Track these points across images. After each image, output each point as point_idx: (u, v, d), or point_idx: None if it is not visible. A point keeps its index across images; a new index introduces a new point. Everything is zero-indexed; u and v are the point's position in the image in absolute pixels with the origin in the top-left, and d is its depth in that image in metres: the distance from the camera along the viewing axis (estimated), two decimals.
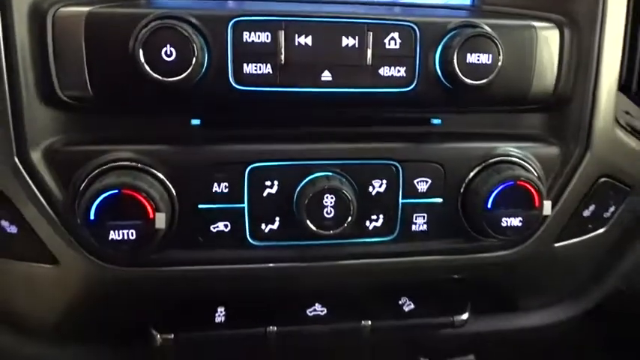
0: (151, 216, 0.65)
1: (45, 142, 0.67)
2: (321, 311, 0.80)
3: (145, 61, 0.62)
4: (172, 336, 0.76)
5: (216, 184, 0.69)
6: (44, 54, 0.64)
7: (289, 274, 0.75)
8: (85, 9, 0.64)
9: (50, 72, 0.65)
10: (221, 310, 0.80)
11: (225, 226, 0.71)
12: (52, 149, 0.67)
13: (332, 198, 0.68)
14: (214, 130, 0.71)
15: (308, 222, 0.68)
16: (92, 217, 0.64)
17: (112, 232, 0.64)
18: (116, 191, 0.64)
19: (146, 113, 0.70)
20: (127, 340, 0.81)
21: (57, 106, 0.67)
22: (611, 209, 0.85)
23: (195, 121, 0.71)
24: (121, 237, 0.65)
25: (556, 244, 0.82)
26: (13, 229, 0.69)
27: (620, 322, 1.07)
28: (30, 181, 0.66)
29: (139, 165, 0.67)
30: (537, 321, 0.92)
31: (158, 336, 0.76)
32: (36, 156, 0.66)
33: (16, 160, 0.66)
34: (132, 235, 0.65)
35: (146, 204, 0.64)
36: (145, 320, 0.78)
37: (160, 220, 0.65)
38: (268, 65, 0.66)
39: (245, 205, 0.70)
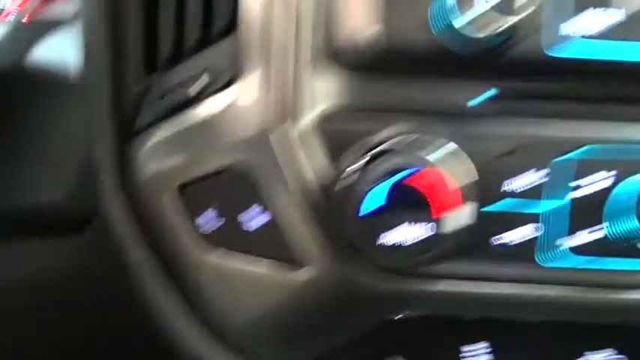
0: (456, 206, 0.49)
1: (319, 108, 0.53)
2: None
3: None
4: None
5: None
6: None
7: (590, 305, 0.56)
8: None
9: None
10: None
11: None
12: (326, 117, 0.53)
13: None
14: (520, 103, 0.55)
15: None
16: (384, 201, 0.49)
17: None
18: (417, 168, 0.48)
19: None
20: None
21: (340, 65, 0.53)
22: None
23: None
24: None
25: None
26: (264, 219, 0.55)
27: None
28: (300, 156, 0.52)
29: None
30: None
31: None
32: (307, 125, 0.53)
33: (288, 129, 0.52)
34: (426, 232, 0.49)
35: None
36: (386, 348, 0.62)
37: (466, 213, 0.49)
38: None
39: (564, 202, 0.52)
